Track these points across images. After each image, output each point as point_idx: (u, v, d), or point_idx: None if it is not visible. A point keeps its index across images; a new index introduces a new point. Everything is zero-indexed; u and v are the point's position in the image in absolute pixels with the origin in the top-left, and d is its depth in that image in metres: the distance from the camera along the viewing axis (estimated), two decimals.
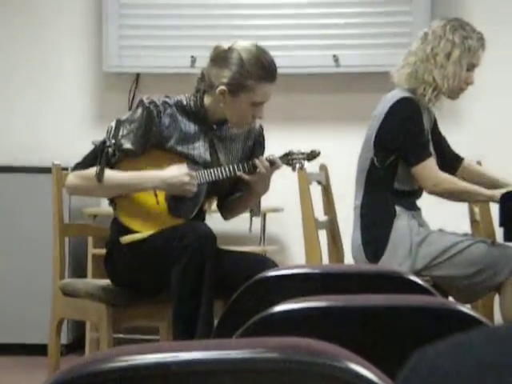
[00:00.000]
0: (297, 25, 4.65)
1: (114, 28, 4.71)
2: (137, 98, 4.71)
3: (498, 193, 3.22)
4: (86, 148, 3.10)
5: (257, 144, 3.15)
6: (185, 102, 3.04)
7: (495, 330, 0.51)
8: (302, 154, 3.13)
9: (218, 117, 3.05)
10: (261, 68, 2.95)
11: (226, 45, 3.01)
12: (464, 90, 3.31)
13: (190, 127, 3.04)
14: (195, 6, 4.70)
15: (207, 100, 3.04)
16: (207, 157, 3.06)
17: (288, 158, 3.12)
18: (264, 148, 3.17)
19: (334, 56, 4.61)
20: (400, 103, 3.21)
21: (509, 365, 0.48)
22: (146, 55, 4.72)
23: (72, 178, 3.02)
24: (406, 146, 3.19)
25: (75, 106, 4.86)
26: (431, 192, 3.23)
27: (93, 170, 2.95)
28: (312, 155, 3.15)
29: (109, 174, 2.95)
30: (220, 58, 2.98)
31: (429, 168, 3.19)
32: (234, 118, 3.02)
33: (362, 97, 4.56)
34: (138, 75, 4.79)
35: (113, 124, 3.03)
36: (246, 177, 3.02)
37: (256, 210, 3.16)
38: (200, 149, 3.05)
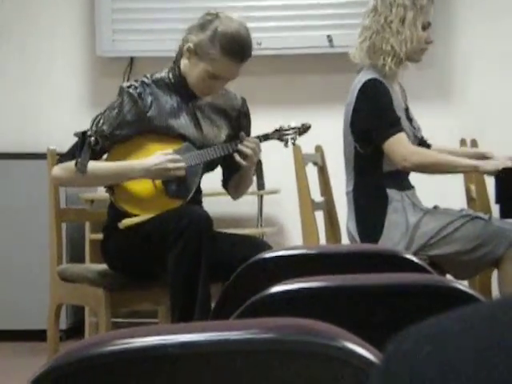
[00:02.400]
0: (290, 5, 4.63)
1: (107, 12, 4.69)
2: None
3: (485, 163, 3.18)
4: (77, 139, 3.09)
5: (241, 116, 3.14)
6: (164, 75, 3.05)
7: (487, 308, 0.49)
8: (293, 128, 3.12)
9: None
10: (229, 44, 2.95)
11: (214, 12, 3.03)
12: (425, 49, 3.28)
13: (172, 100, 3.04)
14: None
15: (182, 65, 3.04)
16: (194, 129, 3.06)
17: (279, 134, 3.11)
18: (250, 120, 3.15)
19: (328, 36, 4.59)
20: (365, 87, 3.19)
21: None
22: (139, 39, 4.71)
23: (56, 169, 3.02)
24: (373, 126, 3.18)
25: (70, 92, 4.84)
26: (403, 168, 3.16)
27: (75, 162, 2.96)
28: (303, 128, 3.14)
29: (93, 165, 2.95)
30: (204, 21, 3.00)
31: (397, 143, 3.14)
32: (191, 80, 3.02)
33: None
34: (131, 59, 4.77)
35: (95, 116, 3.03)
36: (241, 162, 3.01)
37: (261, 182, 3.15)
38: (185, 122, 3.05)
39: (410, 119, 3.34)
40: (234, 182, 3.18)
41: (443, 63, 4.53)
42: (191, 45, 2.98)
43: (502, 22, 4.55)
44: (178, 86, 3.04)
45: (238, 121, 3.13)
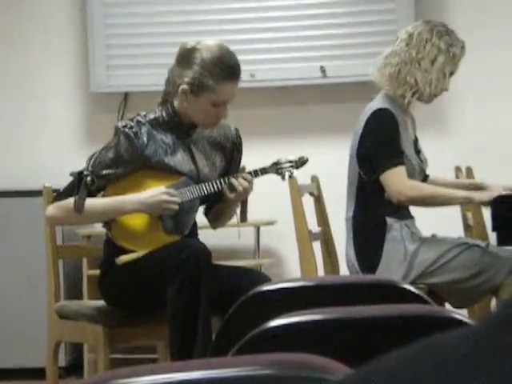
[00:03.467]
0: (282, 38, 4.66)
1: (101, 48, 4.71)
2: (126, 118, 4.71)
3: (479, 195, 3.18)
4: (77, 169, 3.09)
5: (235, 147, 3.14)
6: (157, 115, 3.05)
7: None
8: (290, 161, 3.13)
9: (190, 120, 3.05)
10: (222, 68, 2.96)
11: (190, 44, 3.02)
12: (438, 95, 3.30)
13: (168, 139, 3.04)
14: (180, 24, 4.71)
15: (176, 103, 3.04)
16: (191, 165, 3.06)
17: (277, 168, 3.12)
18: (241, 151, 3.16)
19: (321, 67, 4.62)
20: (374, 116, 3.20)
21: None
22: (133, 74, 4.73)
23: (51, 208, 3.02)
24: (374, 155, 3.18)
25: (64, 128, 4.85)
26: (398, 202, 3.16)
27: (72, 201, 2.95)
28: (300, 162, 3.15)
29: (88, 202, 2.95)
30: (183, 57, 3.00)
31: (395, 176, 3.14)
32: (198, 118, 3.03)
33: (351, 107, 4.57)
34: (126, 94, 4.79)
35: (91, 155, 3.04)
36: (227, 194, 3.02)
37: (243, 216, 3.15)
38: (182, 159, 3.05)
39: (417, 151, 3.34)
40: (215, 212, 3.18)
41: None
42: (185, 86, 2.97)
43: (498, 50, 4.58)
44: (173, 124, 3.05)
45: (232, 152, 3.14)
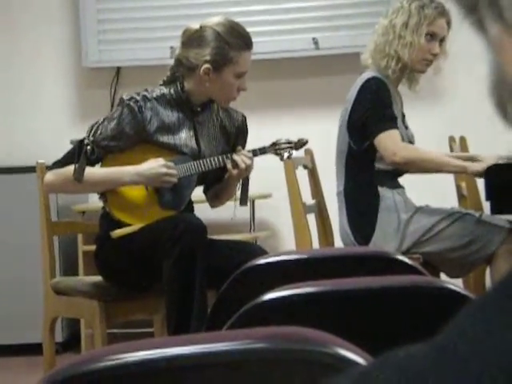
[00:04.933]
0: (274, 9, 4.64)
1: (92, 22, 4.69)
2: (118, 93, 4.69)
3: (473, 165, 3.19)
4: (69, 146, 3.09)
5: (240, 134, 3.14)
6: (165, 91, 3.04)
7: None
8: (290, 143, 3.13)
9: (201, 99, 3.05)
10: (238, 37, 2.98)
11: (195, 25, 3.02)
12: (429, 60, 3.30)
13: (174, 116, 3.04)
14: None
15: (188, 84, 3.03)
16: (193, 144, 3.06)
17: (276, 148, 3.12)
18: (246, 138, 3.16)
19: (314, 39, 4.60)
20: (367, 83, 3.22)
21: None
22: (125, 48, 4.70)
23: (49, 175, 3.02)
24: (369, 119, 3.19)
25: (56, 103, 4.83)
26: (392, 162, 3.18)
27: (71, 168, 2.95)
28: (299, 144, 3.15)
29: (86, 171, 2.95)
30: (194, 38, 2.99)
31: (389, 138, 3.16)
32: (220, 95, 3.02)
33: (344, 78, 4.56)
34: (118, 69, 4.77)
35: (93, 123, 3.03)
36: (231, 170, 3.02)
37: (244, 198, 3.16)
38: (186, 138, 3.05)
39: (405, 127, 3.36)
40: (215, 191, 3.19)
41: (436, 66, 4.52)
42: (207, 65, 2.97)
43: None
44: (180, 102, 3.04)
45: (236, 138, 3.14)
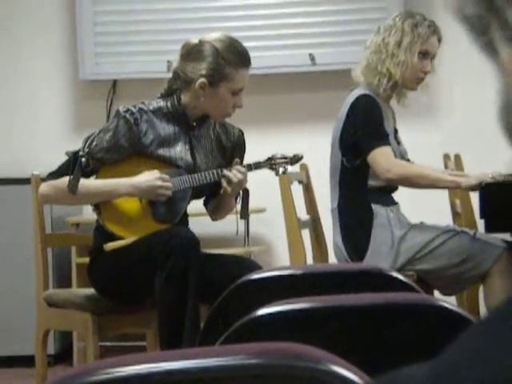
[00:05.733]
0: (272, 25, 4.65)
1: (89, 35, 4.69)
2: (114, 105, 4.69)
3: (467, 179, 3.20)
4: (65, 158, 3.08)
5: (236, 148, 3.14)
6: (162, 104, 3.04)
7: None
8: (285, 158, 3.13)
9: (197, 114, 3.05)
10: (236, 54, 2.98)
11: (194, 40, 3.03)
12: (421, 78, 3.31)
13: (170, 129, 3.04)
14: (169, 11, 4.69)
15: (185, 98, 3.04)
16: (188, 158, 3.06)
17: (271, 163, 3.12)
18: (244, 153, 3.16)
19: (310, 55, 4.61)
20: (357, 101, 3.23)
21: None
22: (122, 61, 4.71)
23: (44, 187, 3.02)
24: (361, 138, 3.20)
25: (53, 115, 4.83)
26: (386, 179, 3.19)
27: (65, 180, 2.94)
28: (295, 159, 3.15)
29: (81, 183, 2.94)
30: (193, 52, 2.99)
31: (382, 154, 3.16)
32: (215, 111, 3.02)
33: (340, 94, 4.57)
34: (114, 82, 4.77)
35: (89, 135, 3.03)
36: (225, 186, 3.02)
37: (244, 212, 3.15)
38: (181, 151, 3.05)
39: (397, 142, 3.37)
40: (213, 205, 3.19)
41: (424, 83, 4.54)
42: (202, 80, 2.97)
43: None
44: (177, 116, 3.04)
45: (233, 153, 3.13)
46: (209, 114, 3.06)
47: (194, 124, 3.08)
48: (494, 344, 0.42)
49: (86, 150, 2.97)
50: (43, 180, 3.05)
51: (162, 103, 3.04)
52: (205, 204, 3.22)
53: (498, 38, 0.46)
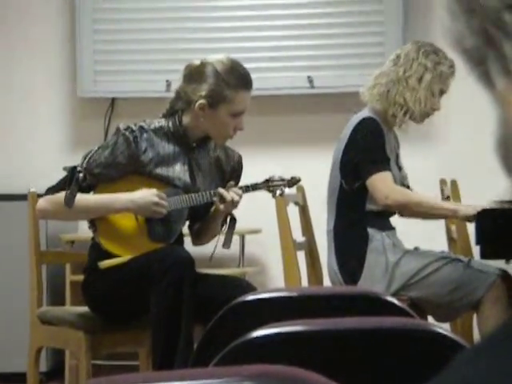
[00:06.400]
0: (271, 47, 4.67)
1: (88, 53, 4.71)
2: (112, 123, 4.70)
3: (465, 208, 3.21)
4: (63, 175, 3.09)
5: (234, 173, 3.14)
6: (163, 124, 3.05)
7: None
8: (283, 180, 3.13)
9: (198, 135, 3.06)
10: (237, 77, 2.98)
11: (197, 61, 3.04)
12: (430, 115, 3.33)
13: (169, 149, 3.04)
14: (169, 31, 4.71)
15: (186, 119, 3.04)
16: (187, 179, 3.06)
17: (268, 184, 3.12)
18: (240, 178, 3.16)
19: (309, 77, 4.63)
20: (361, 124, 3.23)
21: None
22: (120, 80, 4.72)
23: (42, 202, 3.02)
24: (361, 162, 3.21)
25: (50, 133, 4.84)
26: (384, 205, 3.20)
27: (63, 194, 2.95)
28: (292, 182, 3.16)
29: (78, 198, 2.95)
30: (194, 73, 3.00)
31: (381, 180, 3.17)
32: (215, 132, 3.03)
33: (338, 117, 4.59)
34: (113, 100, 4.78)
35: (88, 151, 3.04)
36: (217, 204, 3.01)
37: (228, 240, 3.14)
38: (179, 171, 3.05)
39: (399, 167, 3.37)
40: (198, 228, 3.17)
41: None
42: (202, 101, 2.97)
43: None
44: (177, 136, 3.05)
45: (231, 176, 3.13)
46: (210, 136, 3.06)
47: (194, 145, 3.08)
48: (486, 370, 0.42)
49: (85, 165, 2.98)
50: (40, 196, 3.05)
51: (163, 123, 3.05)
52: (190, 227, 3.20)
53: (495, 69, 0.46)
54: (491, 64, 0.46)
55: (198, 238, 3.19)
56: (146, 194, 2.97)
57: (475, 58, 0.48)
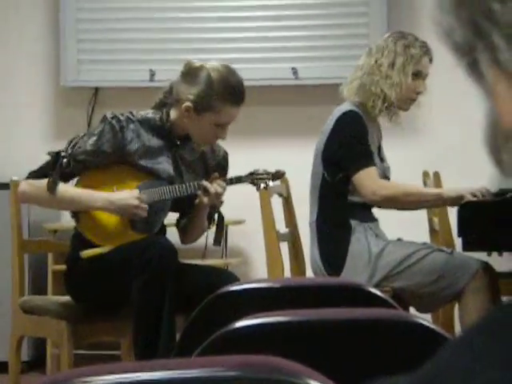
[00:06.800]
0: (256, 38, 4.67)
1: (72, 42, 4.69)
2: (96, 113, 4.68)
3: (447, 191, 3.24)
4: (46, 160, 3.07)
5: (219, 169, 3.13)
6: (150, 116, 3.04)
7: None
8: (268, 173, 3.13)
9: (182, 132, 3.05)
10: (228, 90, 2.95)
11: (197, 62, 3.02)
12: (414, 99, 3.33)
13: (154, 142, 3.03)
14: (153, 20, 4.69)
15: (173, 114, 3.03)
16: (171, 171, 3.05)
17: (253, 177, 3.11)
18: (226, 173, 3.15)
19: (293, 68, 4.63)
20: (344, 117, 3.24)
21: None
22: (104, 69, 4.71)
23: (24, 184, 3.01)
24: (345, 157, 3.21)
25: (33, 122, 4.82)
26: (372, 202, 3.21)
27: (45, 181, 2.94)
28: (277, 175, 3.15)
29: (62, 187, 2.94)
30: (190, 74, 2.99)
31: (367, 176, 3.18)
32: (196, 136, 3.03)
33: (322, 109, 4.59)
34: (96, 89, 4.77)
35: (73, 137, 3.03)
36: (201, 197, 3.01)
37: (218, 238, 3.14)
38: (164, 163, 3.05)
39: (381, 159, 3.38)
40: (184, 224, 3.17)
41: (416, 102, 4.57)
42: (189, 104, 2.96)
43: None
44: (163, 131, 3.04)
45: (215, 171, 3.12)
46: (191, 137, 3.05)
47: (178, 143, 3.07)
48: (473, 358, 0.42)
49: (69, 151, 2.97)
50: (24, 178, 3.03)
51: (150, 115, 3.04)
52: (176, 225, 3.20)
53: (483, 60, 0.47)
54: (480, 55, 0.47)
55: (186, 236, 3.18)
56: (125, 196, 2.96)
57: (464, 49, 0.48)
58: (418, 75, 3.30)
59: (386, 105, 3.26)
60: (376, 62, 3.28)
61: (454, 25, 0.47)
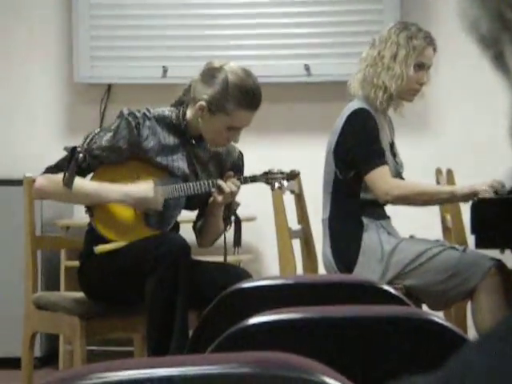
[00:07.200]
0: (268, 34, 4.67)
1: (85, 39, 4.70)
2: (108, 109, 4.69)
3: (461, 188, 3.23)
4: (61, 157, 3.08)
5: (235, 168, 3.13)
6: (167, 114, 3.04)
7: None
8: (282, 173, 3.12)
9: (196, 131, 3.05)
10: (243, 94, 2.95)
11: (218, 63, 3.01)
12: (417, 90, 3.32)
13: (170, 139, 3.04)
14: (167, 17, 4.70)
15: (189, 113, 3.04)
16: (186, 169, 3.06)
17: (267, 177, 3.11)
18: (242, 173, 3.14)
19: (306, 65, 4.62)
20: (354, 114, 3.23)
21: None
22: (117, 66, 4.71)
23: (41, 179, 3.01)
24: (357, 156, 3.21)
25: (46, 118, 4.83)
26: (385, 202, 3.21)
27: (61, 175, 2.94)
28: (291, 175, 3.15)
29: (78, 182, 2.95)
30: (208, 74, 2.99)
31: (379, 176, 3.17)
32: (208, 136, 3.03)
33: (335, 106, 4.58)
34: (109, 86, 4.77)
35: (89, 132, 3.04)
36: (215, 195, 3.01)
37: (237, 240, 3.15)
38: (179, 161, 3.05)
39: (393, 154, 3.37)
40: (200, 225, 3.17)
41: (420, 93, 4.55)
42: (203, 103, 2.96)
43: (479, 55, 4.59)
44: (179, 129, 3.04)
45: (230, 171, 3.11)
46: (204, 137, 3.06)
47: (193, 141, 3.07)
48: (501, 361, 0.42)
49: (85, 146, 2.98)
50: (41, 173, 3.04)
51: (166, 112, 3.04)
52: (194, 227, 3.20)
53: (509, 52, 0.46)
54: (506, 47, 0.46)
55: (202, 237, 3.17)
56: (142, 189, 2.97)
57: (490, 41, 0.48)
58: (421, 66, 3.29)
59: (386, 96, 3.25)
60: (379, 53, 3.27)
61: (479, 16, 0.47)
